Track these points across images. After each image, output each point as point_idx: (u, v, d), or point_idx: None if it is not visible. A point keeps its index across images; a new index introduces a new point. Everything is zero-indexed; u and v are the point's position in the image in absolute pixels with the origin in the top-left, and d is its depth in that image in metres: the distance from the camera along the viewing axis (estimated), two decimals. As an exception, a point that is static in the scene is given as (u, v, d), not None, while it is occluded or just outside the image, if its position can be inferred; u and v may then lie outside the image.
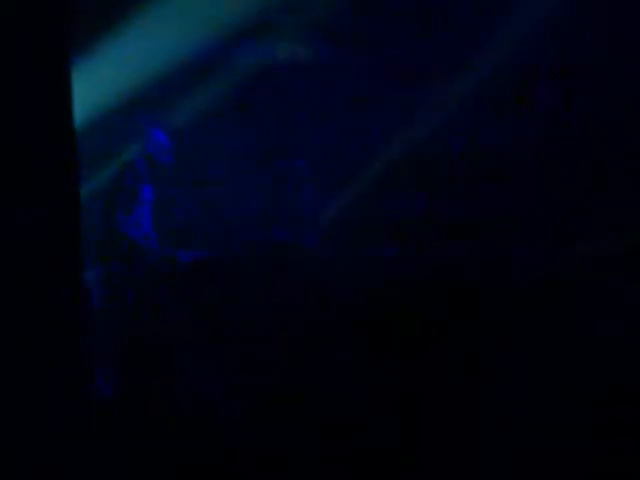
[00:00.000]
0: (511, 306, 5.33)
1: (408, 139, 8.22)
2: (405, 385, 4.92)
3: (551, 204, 7.51)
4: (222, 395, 5.08)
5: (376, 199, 8.13)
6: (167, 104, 8.52)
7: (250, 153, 8.63)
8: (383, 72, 8.53)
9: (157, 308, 6.41)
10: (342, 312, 5.55)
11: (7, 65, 4.19)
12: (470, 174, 8.14)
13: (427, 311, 5.36)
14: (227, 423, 4.69)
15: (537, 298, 5.37)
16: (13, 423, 4.10)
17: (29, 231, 4.24)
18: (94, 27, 7.96)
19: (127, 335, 5.96)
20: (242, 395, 5.00)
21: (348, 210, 8.10)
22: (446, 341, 5.17)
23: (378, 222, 7.83)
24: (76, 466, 4.08)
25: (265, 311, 5.87)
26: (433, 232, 7.56)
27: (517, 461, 4.46)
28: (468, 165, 8.20)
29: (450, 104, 8.17)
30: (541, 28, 7.92)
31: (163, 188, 7.59)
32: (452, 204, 7.97)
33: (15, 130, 4.24)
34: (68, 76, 4.30)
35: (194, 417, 4.73)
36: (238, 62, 8.73)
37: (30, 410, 4.13)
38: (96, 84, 8.15)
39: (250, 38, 8.66)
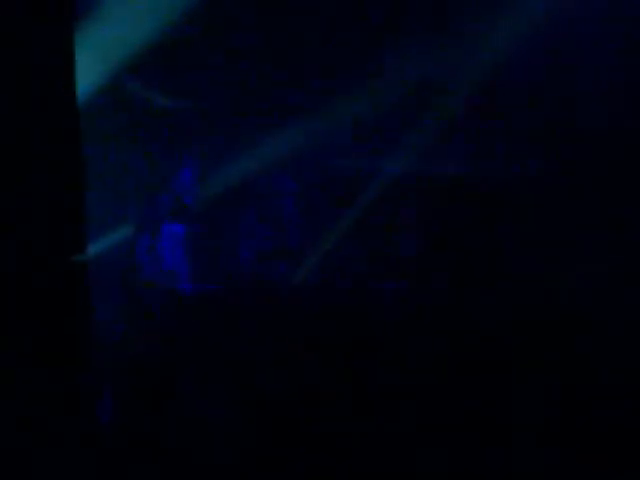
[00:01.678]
0: (514, 326, 5.30)
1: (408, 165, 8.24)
2: (406, 402, 4.90)
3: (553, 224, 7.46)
4: (223, 421, 5.08)
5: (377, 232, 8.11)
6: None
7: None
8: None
9: (160, 337, 6.50)
10: (339, 344, 5.56)
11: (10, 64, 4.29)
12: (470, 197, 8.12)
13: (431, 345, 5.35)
14: (228, 446, 4.68)
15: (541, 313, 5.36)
16: (16, 444, 4.10)
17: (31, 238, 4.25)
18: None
19: (129, 363, 6.01)
20: (242, 421, 5.00)
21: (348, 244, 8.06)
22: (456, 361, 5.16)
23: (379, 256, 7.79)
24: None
25: (263, 342, 5.92)
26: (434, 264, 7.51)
27: (516, 462, 4.42)
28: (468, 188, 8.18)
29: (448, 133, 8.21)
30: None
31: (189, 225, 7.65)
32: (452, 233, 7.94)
33: (18, 131, 4.30)
34: (72, 73, 4.39)
35: (193, 441, 4.73)
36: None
37: (32, 435, 4.12)
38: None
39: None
